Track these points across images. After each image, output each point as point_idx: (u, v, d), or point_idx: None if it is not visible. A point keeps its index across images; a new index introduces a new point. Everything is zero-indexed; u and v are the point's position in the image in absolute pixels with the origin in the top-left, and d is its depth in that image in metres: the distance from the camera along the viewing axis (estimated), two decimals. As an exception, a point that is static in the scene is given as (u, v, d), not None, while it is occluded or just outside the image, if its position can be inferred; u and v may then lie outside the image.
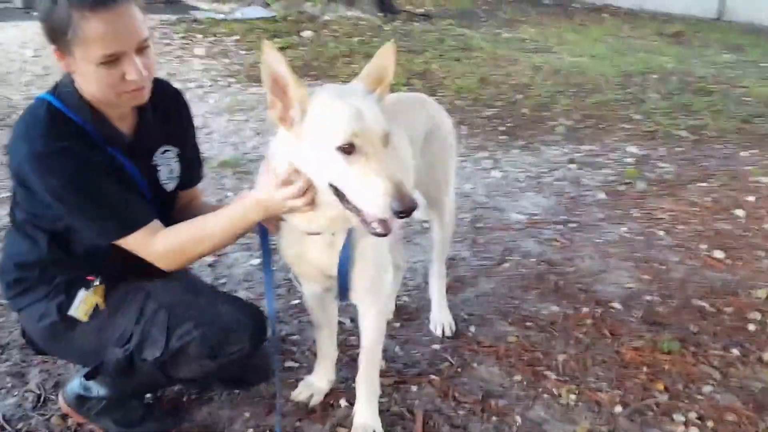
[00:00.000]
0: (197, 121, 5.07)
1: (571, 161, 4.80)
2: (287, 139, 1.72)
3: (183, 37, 7.93)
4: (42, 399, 2.27)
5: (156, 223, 1.87)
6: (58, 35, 1.72)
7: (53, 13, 1.70)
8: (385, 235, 1.65)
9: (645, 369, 2.57)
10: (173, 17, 8.89)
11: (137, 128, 1.95)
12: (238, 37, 7.96)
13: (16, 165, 1.81)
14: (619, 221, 3.89)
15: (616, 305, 3.01)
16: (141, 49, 1.75)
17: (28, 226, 1.93)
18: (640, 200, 4.17)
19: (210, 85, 6.26)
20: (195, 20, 8.82)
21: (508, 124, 5.56)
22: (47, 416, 2.19)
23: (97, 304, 1.93)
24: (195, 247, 1.88)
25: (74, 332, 1.95)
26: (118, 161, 1.88)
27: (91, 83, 1.77)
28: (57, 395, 2.24)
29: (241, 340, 1.94)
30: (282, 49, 7.43)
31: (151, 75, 1.82)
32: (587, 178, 4.51)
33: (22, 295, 1.98)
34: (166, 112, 2.05)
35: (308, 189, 1.71)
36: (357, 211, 1.63)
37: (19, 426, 2.14)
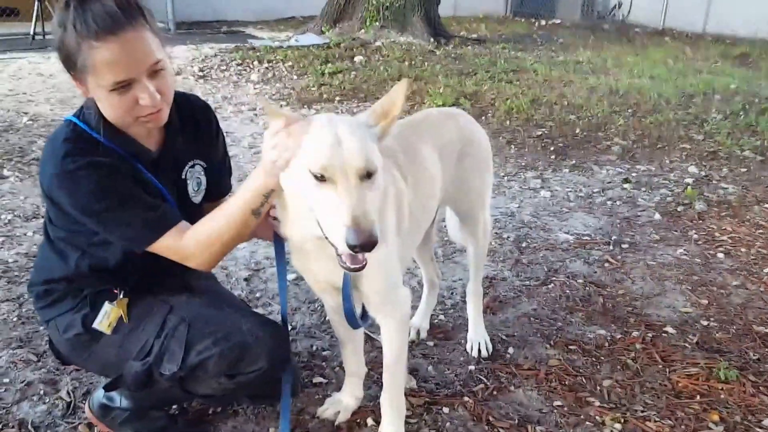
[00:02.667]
0: (245, 142, 5.24)
1: (626, 181, 4.62)
2: None
3: (239, 64, 8.11)
4: (71, 407, 2.26)
5: (184, 223, 1.84)
6: (70, 64, 1.71)
7: (64, 42, 1.69)
8: (354, 270, 1.61)
9: (699, 398, 2.40)
10: (231, 45, 9.12)
11: (164, 144, 1.94)
12: (291, 63, 8.08)
13: (46, 186, 1.80)
14: (675, 243, 3.69)
15: (670, 330, 2.83)
16: (154, 72, 1.73)
17: (61, 243, 1.93)
18: (699, 221, 3.97)
19: (261, 108, 6.34)
20: (252, 48, 9.01)
21: (559, 144, 5.41)
22: (75, 424, 2.18)
23: (120, 317, 1.92)
24: (221, 235, 1.80)
25: (98, 344, 1.95)
26: (144, 176, 1.86)
27: (107, 108, 1.76)
28: (86, 404, 2.24)
29: (260, 360, 1.89)
30: (333, 74, 7.52)
31: (167, 97, 1.79)
32: (643, 198, 4.33)
33: (50, 306, 1.98)
34: (195, 126, 2.04)
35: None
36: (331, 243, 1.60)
37: (46, 433, 2.14)
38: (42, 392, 2.33)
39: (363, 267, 1.60)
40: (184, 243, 1.80)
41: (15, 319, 2.75)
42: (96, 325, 1.91)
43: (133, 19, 1.67)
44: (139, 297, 1.95)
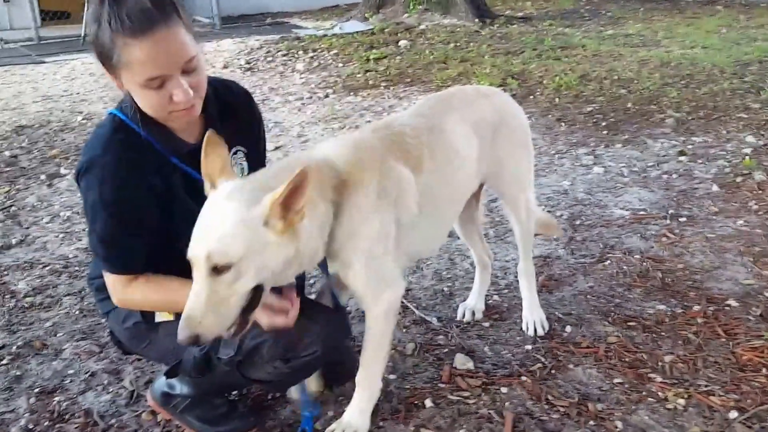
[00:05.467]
0: (294, 131, 5.28)
1: (682, 153, 4.47)
2: None
3: (285, 55, 8.16)
4: (134, 396, 2.33)
5: (139, 277, 1.88)
6: (104, 58, 1.73)
7: (98, 37, 1.71)
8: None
9: (764, 371, 2.31)
10: (277, 36, 9.19)
11: (203, 134, 1.95)
12: (336, 51, 8.09)
13: (76, 171, 1.86)
14: (734, 214, 3.56)
15: (732, 303, 2.74)
16: (187, 68, 1.73)
17: None
18: (758, 192, 3.81)
19: (309, 97, 6.37)
20: (297, 38, 9.05)
21: (611, 119, 5.27)
22: (138, 412, 2.24)
23: None
24: (153, 306, 1.95)
25: (156, 333, 1.99)
26: (181, 170, 1.89)
27: (142, 103, 1.78)
28: (148, 392, 2.30)
29: (314, 344, 1.91)
30: (378, 59, 7.50)
31: (200, 92, 1.80)
32: (699, 171, 4.18)
33: (109, 298, 2.01)
34: (235, 113, 2.05)
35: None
36: None
37: (112, 421, 2.20)
38: (106, 382, 2.40)
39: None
40: (120, 290, 1.89)
41: (77, 312, 2.84)
42: (158, 317, 1.96)
43: (166, 16, 1.67)
44: None
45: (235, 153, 2.04)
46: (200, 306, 1.55)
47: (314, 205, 1.72)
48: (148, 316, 1.95)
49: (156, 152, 1.83)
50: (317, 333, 1.90)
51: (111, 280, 1.89)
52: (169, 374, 2.02)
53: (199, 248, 1.57)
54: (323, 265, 1.91)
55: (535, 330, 2.61)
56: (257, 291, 1.65)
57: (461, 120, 2.25)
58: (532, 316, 2.64)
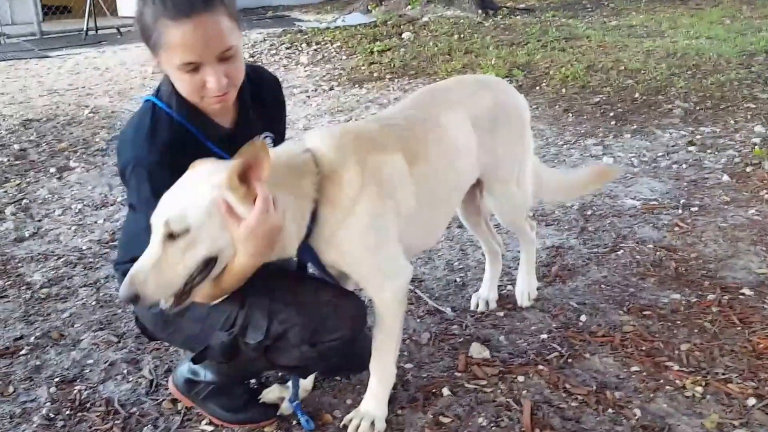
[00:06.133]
0: (300, 124, 5.27)
1: (691, 143, 4.48)
2: None
3: (288, 47, 8.16)
4: (154, 384, 2.34)
5: None
6: (146, 37, 1.76)
7: (142, 15, 1.74)
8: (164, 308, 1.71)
9: (782, 359, 2.32)
10: (279, 29, 9.18)
11: (238, 120, 1.97)
12: (339, 44, 8.09)
13: (121, 167, 1.86)
14: (746, 204, 3.57)
15: (746, 292, 2.75)
16: (224, 57, 1.75)
17: (146, 223, 1.97)
18: (770, 181, 3.82)
19: (314, 90, 6.38)
20: (299, 31, 9.04)
21: (618, 110, 5.27)
22: (159, 401, 2.25)
23: None
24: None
25: (183, 318, 1.98)
26: (217, 155, 1.89)
27: (178, 85, 1.80)
28: (168, 381, 2.31)
29: (341, 328, 1.92)
30: (382, 51, 7.49)
31: (235, 81, 1.81)
32: (709, 161, 4.19)
33: None
34: (265, 100, 2.07)
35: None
36: None
37: (133, 410, 2.21)
38: (125, 371, 2.41)
39: (169, 309, 1.71)
40: None
41: (94, 303, 2.85)
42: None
43: (210, 3, 1.69)
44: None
45: (264, 138, 2.05)
46: (148, 267, 1.62)
47: (283, 194, 1.74)
48: None
49: (193, 137, 1.85)
50: (343, 316, 1.91)
51: None
52: (195, 360, 2.02)
53: (159, 214, 1.64)
54: (314, 259, 1.93)
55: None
56: (208, 265, 1.69)
57: (460, 112, 2.23)
58: (521, 287, 2.76)
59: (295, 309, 1.88)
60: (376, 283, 2.00)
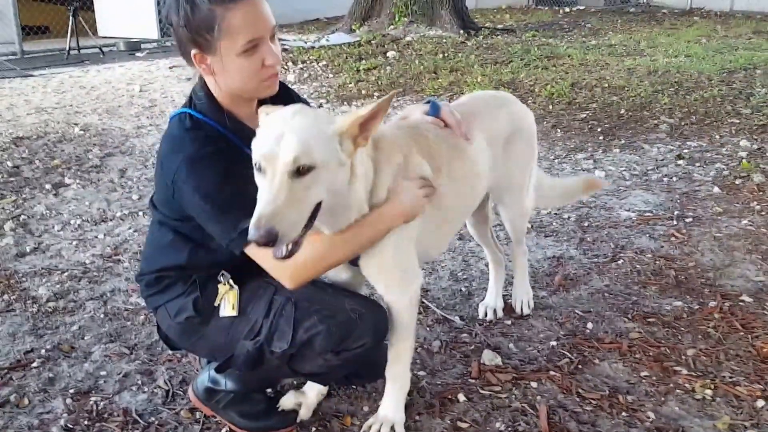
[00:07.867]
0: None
1: (680, 157, 4.60)
2: None
3: (274, 66, 8.18)
4: (170, 394, 2.33)
5: None
6: (201, 36, 1.78)
7: (195, 15, 1.77)
8: (277, 258, 1.61)
9: (786, 362, 2.39)
10: (263, 48, 9.20)
11: None
12: (325, 62, 8.15)
13: (171, 176, 1.83)
14: (738, 214, 3.68)
15: (746, 298, 2.83)
16: (273, 35, 1.85)
17: (173, 234, 1.98)
18: (759, 193, 3.94)
19: (302, 107, 6.40)
20: (284, 49, 9.09)
21: (605, 125, 5.40)
22: (176, 410, 2.24)
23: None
24: (322, 262, 1.87)
25: (207, 327, 1.99)
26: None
27: (234, 76, 1.83)
28: (184, 391, 2.31)
29: (365, 335, 1.94)
30: (368, 70, 7.57)
31: (281, 60, 1.89)
32: (698, 174, 4.31)
33: (160, 293, 2.03)
34: (282, 102, 2.10)
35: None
36: None
37: (151, 419, 2.20)
38: (140, 382, 2.40)
39: (285, 258, 1.60)
40: (284, 264, 1.75)
41: (102, 316, 2.83)
42: (223, 313, 1.95)
43: None
44: (245, 280, 1.99)
45: None
46: (280, 203, 1.53)
47: (362, 156, 1.80)
48: (201, 310, 1.96)
49: (232, 143, 1.87)
50: (366, 325, 1.93)
51: (261, 254, 1.81)
52: (220, 368, 2.03)
53: (287, 149, 1.56)
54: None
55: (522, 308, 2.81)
56: (317, 209, 1.65)
57: (478, 128, 2.30)
58: (520, 296, 2.82)
59: (320, 317, 1.89)
60: (399, 288, 2.03)
